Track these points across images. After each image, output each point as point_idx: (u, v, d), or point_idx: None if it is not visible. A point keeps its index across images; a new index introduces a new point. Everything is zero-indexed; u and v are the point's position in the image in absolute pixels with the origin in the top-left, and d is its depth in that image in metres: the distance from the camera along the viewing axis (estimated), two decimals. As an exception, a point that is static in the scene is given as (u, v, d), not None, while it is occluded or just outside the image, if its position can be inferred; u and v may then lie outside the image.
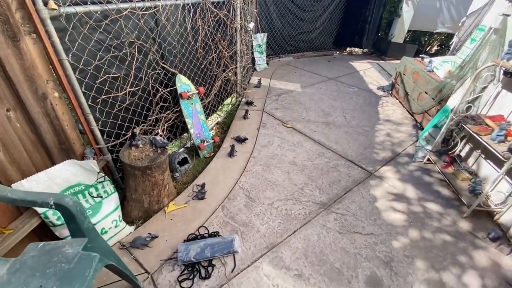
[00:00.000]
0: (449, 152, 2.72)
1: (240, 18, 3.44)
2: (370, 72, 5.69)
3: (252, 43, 5.17)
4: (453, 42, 4.17)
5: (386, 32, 6.82)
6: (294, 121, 3.61)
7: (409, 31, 6.56)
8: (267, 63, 5.72)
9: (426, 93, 3.42)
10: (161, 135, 2.15)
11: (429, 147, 2.82)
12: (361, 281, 1.77)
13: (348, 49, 7.25)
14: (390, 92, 4.58)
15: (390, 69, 5.87)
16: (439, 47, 7.09)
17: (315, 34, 6.39)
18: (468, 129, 2.21)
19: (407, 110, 3.96)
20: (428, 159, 2.80)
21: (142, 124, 2.41)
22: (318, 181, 2.59)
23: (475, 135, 2.15)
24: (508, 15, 2.27)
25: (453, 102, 2.89)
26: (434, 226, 2.16)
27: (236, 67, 3.73)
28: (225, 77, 3.48)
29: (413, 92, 3.76)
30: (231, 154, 2.85)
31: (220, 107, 3.92)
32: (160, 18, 2.23)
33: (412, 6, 6.17)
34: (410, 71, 3.89)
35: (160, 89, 2.49)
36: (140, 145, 2.09)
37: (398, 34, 6.53)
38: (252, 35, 5.09)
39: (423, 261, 1.91)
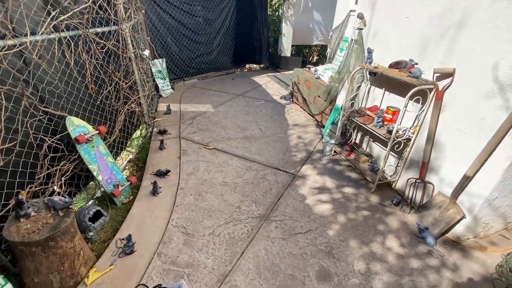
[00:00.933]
0: (348, 142, 3.26)
1: (133, 46, 3.22)
2: (271, 85, 6.29)
3: (151, 70, 4.92)
4: (328, 52, 5.09)
5: (275, 48, 7.73)
6: (215, 142, 3.59)
7: (293, 46, 7.64)
8: (173, 88, 5.54)
9: (319, 96, 4.02)
10: (59, 193, 1.74)
11: (333, 141, 3.30)
12: (313, 278, 1.87)
13: (247, 66, 7.83)
14: (291, 99, 5.17)
15: (285, 79, 6.65)
16: (318, 57, 8.52)
17: (214, 55, 6.62)
18: (356, 121, 2.72)
19: (308, 113, 4.55)
20: (335, 151, 3.27)
21: (29, 186, 1.89)
22: (252, 195, 2.64)
23: (362, 125, 2.65)
24: (361, 29, 2.94)
25: (340, 101, 3.50)
26: (353, 207, 2.52)
27: (139, 97, 3.44)
28: (128, 109, 3.16)
29: (309, 97, 4.36)
30: (154, 192, 2.58)
31: (129, 142, 3.52)
32: (31, 56, 1.84)
33: (290, 25, 7.23)
34: (303, 80, 4.51)
35: (46, 138, 2.03)
36: (33, 213, 1.63)
37: (286, 49, 7.50)
38: (150, 62, 4.85)
39: (354, 240, 2.18)
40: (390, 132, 2.36)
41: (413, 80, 2.16)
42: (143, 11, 4.54)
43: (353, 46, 3.14)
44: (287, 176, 2.93)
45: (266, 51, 7.72)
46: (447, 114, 2.12)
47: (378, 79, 2.75)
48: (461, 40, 1.95)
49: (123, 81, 2.96)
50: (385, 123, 2.53)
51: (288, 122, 4.28)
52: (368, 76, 2.89)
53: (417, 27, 2.30)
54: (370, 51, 2.63)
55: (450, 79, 2.04)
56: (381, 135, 2.43)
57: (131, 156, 3.30)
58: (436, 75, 2.14)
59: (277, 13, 7.09)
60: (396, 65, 2.42)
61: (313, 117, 4.41)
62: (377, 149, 2.95)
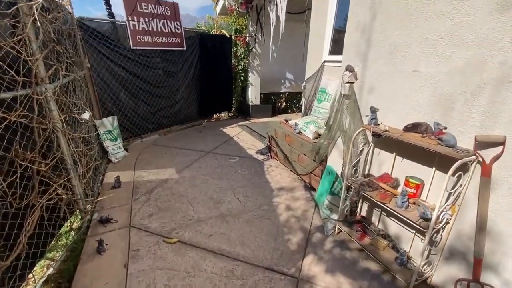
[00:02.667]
0: (352, 215, 2.60)
1: (62, 111, 2.37)
2: (243, 136, 5.68)
3: (97, 132, 3.99)
4: (302, 103, 4.72)
5: (243, 97, 7.37)
6: (179, 228, 2.66)
7: (261, 94, 7.35)
8: (127, 149, 4.59)
9: (304, 155, 3.43)
10: None
11: (335, 216, 2.61)
12: None
13: (215, 115, 7.25)
14: (269, 154, 4.54)
15: (258, 129, 6.13)
16: (286, 103, 8.34)
17: (177, 107, 5.94)
18: (371, 198, 2.08)
19: (291, 170, 3.91)
20: (339, 228, 2.56)
21: None
22: (241, 329, 1.72)
23: (381, 204, 2.01)
24: (352, 83, 2.51)
25: (333, 162, 2.92)
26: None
27: (69, 179, 2.48)
28: (49, 200, 2.16)
29: (291, 154, 3.75)
30: None
31: (53, 242, 2.43)
32: None
33: (257, 75, 7.01)
34: (282, 135, 3.94)
35: None
36: None
37: (255, 98, 7.16)
38: (95, 123, 3.95)
39: None
40: (426, 219, 1.74)
41: (448, 151, 1.62)
42: (87, 65, 3.79)
43: (342, 100, 2.68)
44: (287, 281, 2.08)
45: (236, 100, 7.33)
46: (501, 194, 1.57)
47: (387, 141, 2.22)
48: (507, 101, 1.49)
49: (39, 163, 2.03)
50: (410, 200, 1.93)
51: (271, 185, 3.55)
52: (370, 137, 2.37)
53: (431, 82, 1.86)
54: (374, 110, 2.13)
55: (500, 148, 1.53)
56: (413, 222, 1.79)
57: (51, 270, 2.19)
58: (475, 143, 1.64)
59: (242, 63, 6.86)
60: (414, 128, 1.91)
61: (298, 175, 3.76)
62: (394, 226, 2.31)
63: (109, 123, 4.30)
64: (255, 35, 6.69)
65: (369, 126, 2.13)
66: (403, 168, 2.16)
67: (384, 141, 2.27)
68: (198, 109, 6.52)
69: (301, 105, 8.47)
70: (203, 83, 6.37)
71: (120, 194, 3.29)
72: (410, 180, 2.00)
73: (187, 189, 3.41)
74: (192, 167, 4.09)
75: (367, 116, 2.21)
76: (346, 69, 2.52)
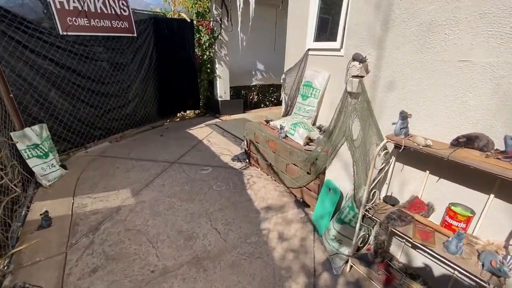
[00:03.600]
0: (361, 244, 2.06)
1: None
2: (214, 138, 4.90)
3: (14, 149, 2.93)
4: (283, 98, 4.08)
5: (211, 92, 6.51)
6: (137, 290, 1.89)
7: (231, 87, 6.56)
8: (64, 166, 3.55)
9: (295, 165, 2.81)
10: None
11: (345, 249, 2.03)
12: None
13: (179, 114, 6.30)
14: (248, 161, 3.85)
15: (231, 128, 5.38)
16: (257, 96, 7.66)
17: (131, 107, 4.91)
18: (407, 237, 1.52)
19: (277, 181, 3.29)
20: (351, 264, 2.00)
21: None
22: None
23: (423, 247, 1.46)
24: (361, 77, 1.91)
25: (334, 174, 2.34)
26: None
27: None
28: None
29: (277, 163, 3.11)
30: None
31: None
32: None
33: (226, 66, 6.18)
34: (263, 139, 3.27)
35: None
36: None
37: (224, 92, 6.35)
38: (12, 137, 2.88)
39: None
40: (494, 273, 1.21)
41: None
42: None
43: (347, 100, 2.08)
44: None
45: (202, 96, 6.45)
46: None
47: (415, 155, 1.67)
48: None
49: None
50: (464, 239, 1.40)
51: (255, 205, 2.89)
52: (391, 148, 1.81)
53: (491, 77, 1.32)
54: (405, 116, 1.54)
55: None
56: (478, 277, 1.26)
57: None
58: None
59: (208, 52, 5.98)
60: (468, 142, 1.37)
61: (286, 187, 3.15)
62: (422, 259, 1.80)
63: (34, 135, 3.22)
64: (221, 20, 5.82)
65: (399, 138, 1.55)
66: (441, 191, 1.64)
67: (410, 154, 1.72)
68: (157, 108, 5.53)
69: (275, 98, 7.91)
70: (163, 77, 5.38)
71: (50, 237, 2.37)
72: (457, 210, 1.48)
73: (147, 221, 2.59)
74: (154, 185, 3.24)
75: (394, 123, 1.63)
76: (354, 59, 1.91)
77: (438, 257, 1.47)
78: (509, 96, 1.28)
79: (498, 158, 1.24)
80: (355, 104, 2.04)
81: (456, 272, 1.61)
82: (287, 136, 3.05)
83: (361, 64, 1.87)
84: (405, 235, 1.54)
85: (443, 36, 1.46)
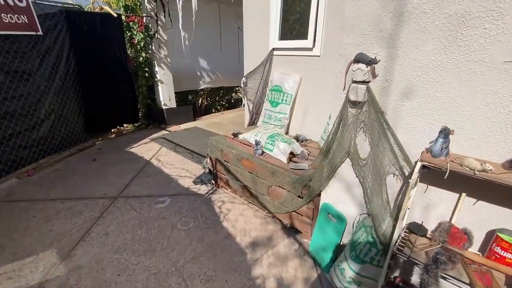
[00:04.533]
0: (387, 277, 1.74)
1: None
2: (166, 156, 4.09)
3: None
4: (245, 105, 3.58)
5: (153, 99, 5.56)
6: None
7: (177, 93, 5.73)
8: None
9: (281, 187, 2.35)
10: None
11: (367, 292, 1.67)
12: None
13: (113, 129, 5.19)
14: (214, 182, 3.24)
15: (183, 141, 4.63)
16: (207, 101, 6.98)
17: (45, 128, 3.72)
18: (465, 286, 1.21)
19: (255, 205, 2.79)
20: (374, 309, 1.65)
21: None
22: None
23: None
24: (367, 82, 1.55)
25: (333, 197, 1.97)
26: None
27: None
28: None
29: (256, 186, 2.61)
30: None
31: None
32: None
33: (168, 69, 5.34)
34: (235, 158, 2.72)
35: None
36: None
37: (169, 99, 5.50)
38: None
39: None
40: None
41: None
42: None
43: (347, 111, 1.71)
44: None
45: (142, 105, 5.48)
46: None
47: (443, 174, 1.38)
48: None
49: None
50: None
51: (237, 243, 2.34)
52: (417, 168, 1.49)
53: (549, 80, 1.08)
54: (447, 133, 1.22)
55: None
56: None
57: None
58: None
59: (144, 54, 5.04)
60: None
61: (268, 211, 2.68)
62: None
63: None
64: (156, 15, 4.96)
65: (440, 161, 1.22)
66: (478, 214, 1.39)
67: (439, 174, 1.43)
68: (84, 124, 4.39)
69: (226, 101, 7.30)
70: (87, 85, 4.27)
71: None
72: (507, 238, 1.23)
73: (90, 301, 1.79)
74: (92, 237, 2.38)
75: (431, 143, 1.30)
76: (358, 61, 1.53)
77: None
78: None
79: None
80: (358, 115, 1.68)
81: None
82: (264, 153, 2.57)
83: (369, 67, 1.51)
84: (460, 281, 1.23)
85: (481, 31, 1.18)
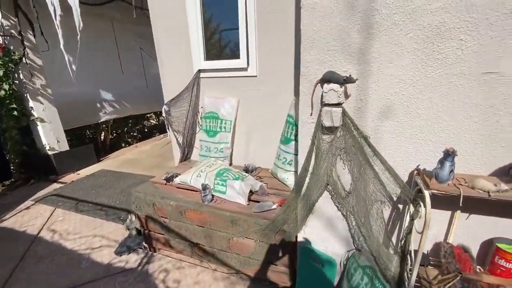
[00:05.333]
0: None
1: None
2: (64, 222, 2.95)
3: None
4: (170, 136, 2.95)
5: (31, 144, 4.09)
6: None
7: (68, 131, 4.43)
8: None
9: (248, 238, 1.89)
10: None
11: None
12: None
13: (-35, 198, 3.48)
14: (148, 245, 2.44)
15: (88, 193, 3.52)
16: (112, 135, 5.77)
17: None
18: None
19: (212, 263, 2.20)
20: None
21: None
22: None
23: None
24: (339, 104, 1.32)
25: (313, 235, 1.68)
26: None
27: None
28: None
29: (211, 241, 2.05)
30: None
31: None
32: None
33: (51, 102, 4.06)
34: (175, 211, 2.09)
35: None
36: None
37: (57, 140, 4.17)
38: None
39: None
40: None
41: None
42: None
43: (319, 138, 1.46)
44: None
45: (12, 153, 3.97)
46: None
47: (439, 198, 1.27)
48: None
49: None
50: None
51: (199, 327, 1.71)
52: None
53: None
54: (452, 153, 1.08)
55: None
56: None
57: None
58: None
59: (8, 85, 3.66)
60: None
61: (232, 268, 2.15)
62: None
63: None
64: (21, 34, 3.70)
65: (450, 186, 1.08)
66: (472, 228, 1.34)
67: (434, 197, 1.31)
68: None
69: (139, 132, 6.17)
70: None
71: None
72: (508, 249, 1.19)
73: None
74: None
75: (437, 168, 1.14)
76: (329, 81, 1.30)
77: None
78: (555, 110, 1.08)
79: None
80: (333, 142, 1.45)
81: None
82: (214, 196, 2.06)
83: (343, 87, 1.29)
84: None
85: (458, 42, 1.12)
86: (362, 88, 1.32)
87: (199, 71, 2.56)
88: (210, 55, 2.51)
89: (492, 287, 1.18)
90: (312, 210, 1.64)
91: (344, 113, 1.34)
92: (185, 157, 2.83)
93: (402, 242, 1.33)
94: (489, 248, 1.31)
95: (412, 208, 1.26)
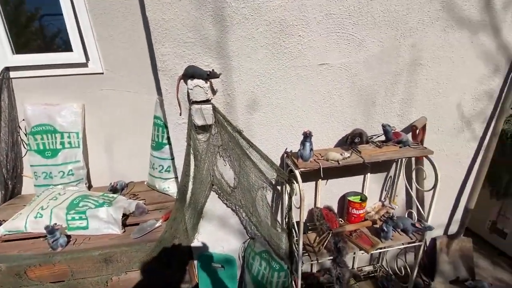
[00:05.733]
0: None
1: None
2: None
3: None
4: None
5: None
6: None
7: None
8: None
9: (131, 271, 1.55)
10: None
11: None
12: None
13: None
14: None
15: None
16: None
17: None
18: (368, 253, 1.37)
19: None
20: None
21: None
22: None
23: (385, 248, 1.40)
24: (207, 101, 1.23)
25: (207, 240, 1.64)
26: None
27: None
28: None
29: (80, 293, 1.55)
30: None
31: None
32: None
33: None
34: (9, 276, 1.43)
35: None
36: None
37: None
38: None
39: None
40: (422, 231, 1.46)
41: (420, 151, 1.37)
42: None
43: (194, 139, 1.35)
44: None
45: None
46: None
47: (309, 173, 1.48)
48: (420, 84, 1.47)
49: None
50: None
51: None
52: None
53: (348, 75, 1.38)
54: (309, 135, 1.22)
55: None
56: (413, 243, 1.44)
57: None
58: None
59: None
60: (353, 141, 1.39)
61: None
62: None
63: None
64: None
65: (312, 163, 1.25)
66: (329, 190, 1.65)
67: (303, 173, 1.51)
68: None
69: None
70: None
71: None
72: (355, 199, 1.57)
73: None
74: None
75: (300, 149, 1.26)
76: (192, 76, 1.19)
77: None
78: (363, 91, 1.43)
79: (394, 145, 1.39)
80: (209, 140, 1.38)
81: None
82: (71, 237, 1.56)
83: (208, 83, 1.21)
84: (359, 248, 1.40)
85: (297, 38, 1.27)
86: (227, 82, 1.29)
87: (7, 69, 1.79)
88: (28, 47, 1.80)
89: (353, 233, 1.52)
90: (202, 215, 1.54)
91: (214, 109, 1.28)
92: (11, 194, 1.99)
93: (286, 219, 1.47)
94: (343, 202, 1.66)
95: (288, 188, 1.39)
